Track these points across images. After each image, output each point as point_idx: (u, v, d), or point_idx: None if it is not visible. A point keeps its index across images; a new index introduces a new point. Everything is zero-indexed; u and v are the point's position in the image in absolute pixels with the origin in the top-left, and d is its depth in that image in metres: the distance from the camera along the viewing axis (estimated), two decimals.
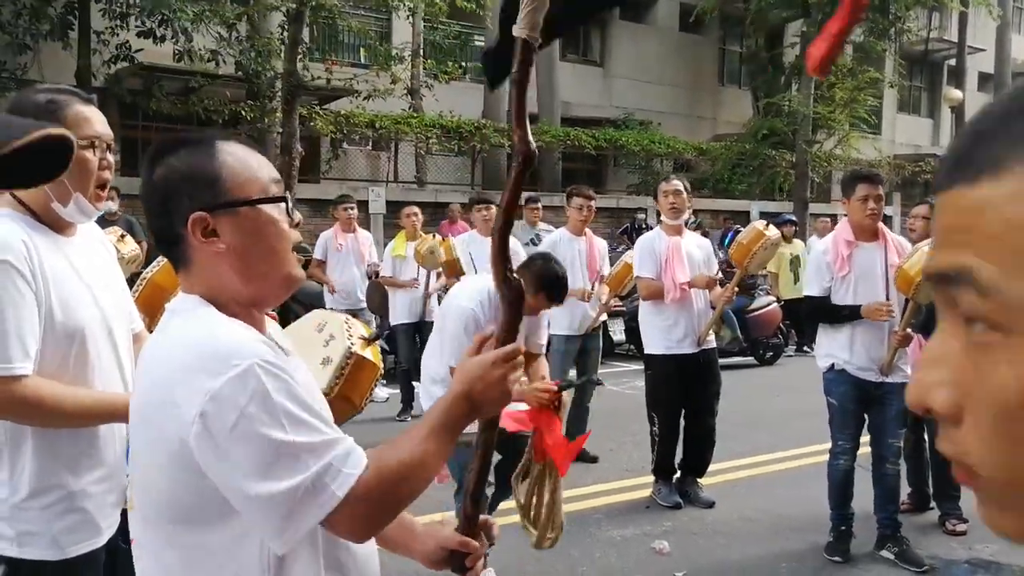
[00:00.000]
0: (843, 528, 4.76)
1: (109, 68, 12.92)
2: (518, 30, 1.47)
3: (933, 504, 5.37)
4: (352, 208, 8.59)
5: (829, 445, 4.85)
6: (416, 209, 8.26)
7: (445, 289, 7.24)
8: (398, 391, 8.01)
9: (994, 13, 23.95)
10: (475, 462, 1.63)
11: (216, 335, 1.33)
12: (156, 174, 1.43)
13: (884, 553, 4.72)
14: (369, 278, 8.39)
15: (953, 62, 28.19)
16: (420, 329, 7.83)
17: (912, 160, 25.63)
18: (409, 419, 7.64)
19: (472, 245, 7.38)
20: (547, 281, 4.05)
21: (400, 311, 8.02)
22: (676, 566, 4.59)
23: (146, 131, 14.51)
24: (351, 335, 2.46)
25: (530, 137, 1.52)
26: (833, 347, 4.74)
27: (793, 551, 4.83)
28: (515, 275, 1.55)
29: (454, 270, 7.24)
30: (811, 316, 5.13)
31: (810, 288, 4.84)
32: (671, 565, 4.60)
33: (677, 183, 5.66)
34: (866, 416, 4.76)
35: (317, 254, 8.47)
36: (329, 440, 1.30)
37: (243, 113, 13.54)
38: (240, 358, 1.28)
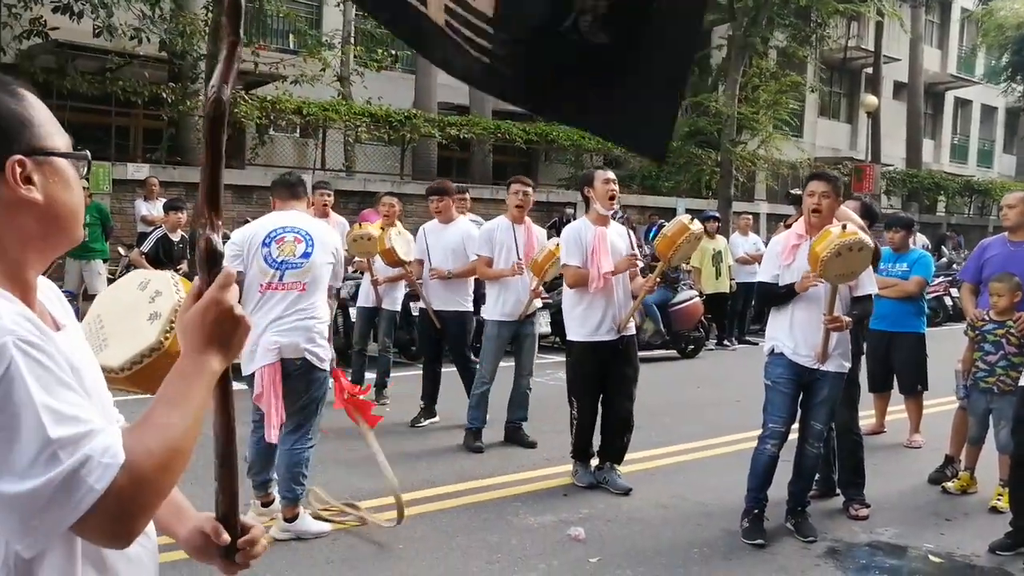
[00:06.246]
0: (756, 511, 4.89)
1: (20, 43, 12.46)
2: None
3: (839, 491, 5.56)
4: (328, 195, 8.50)
5: (743, 435, 4.97)
6: (394, 200, 8.15)
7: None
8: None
9: (906, 26, 24.77)
10: (219, 451, 1.42)
11: None
12: None
13: (787, 525, 4.99)
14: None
15: (870, 70, 29.07)
16: (377, 314, 7.96)
17: (831, 163, 26.31)
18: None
19: (431, 234, 7.30)
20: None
21: (361, 295, 8.10)
22: (590, 552, 4.64)
23: (60, 111, 14.02)
24: (179, 290, 2.40)
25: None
26: (776, 331, 4.98)
27: (705, 537, 4.93)
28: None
29: (391, 258, 7.24)
30: (759, 300, 6.11)
31: (761, 275, 5.22)
32: (586, 551, 4.66)
33: (612, 173, 5.84)
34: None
35: None
36: (89, 431, 1.12)
37: (164, 95, 13.21)
38: None
